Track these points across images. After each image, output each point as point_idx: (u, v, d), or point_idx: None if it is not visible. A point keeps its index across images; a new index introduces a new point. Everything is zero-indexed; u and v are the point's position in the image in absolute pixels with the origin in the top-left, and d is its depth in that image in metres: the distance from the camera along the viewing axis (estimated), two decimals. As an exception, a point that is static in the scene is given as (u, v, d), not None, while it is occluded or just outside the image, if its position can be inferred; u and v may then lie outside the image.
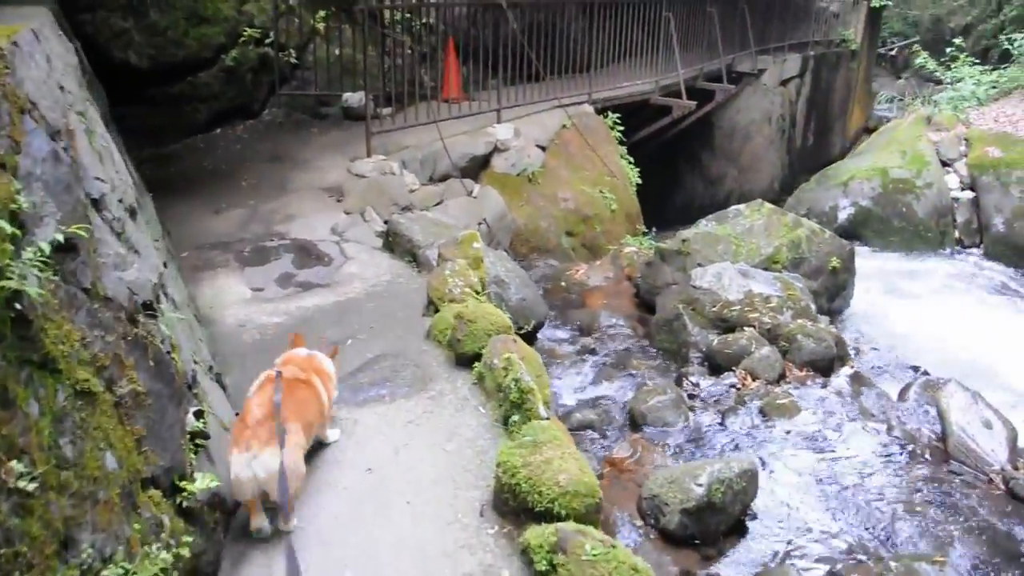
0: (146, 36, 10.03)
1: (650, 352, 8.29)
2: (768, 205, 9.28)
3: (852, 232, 11.11)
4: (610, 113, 12.62)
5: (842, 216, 11.66)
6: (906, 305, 9.96)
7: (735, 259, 8.72)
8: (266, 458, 3.63)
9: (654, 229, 11.72)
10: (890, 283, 10.31)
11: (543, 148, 11.41)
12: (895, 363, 8.61)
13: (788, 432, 6.85)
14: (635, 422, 6.91)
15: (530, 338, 7.66)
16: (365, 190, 8.93)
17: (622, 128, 12.64)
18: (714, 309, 8.07)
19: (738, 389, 7.37)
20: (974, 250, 11.44)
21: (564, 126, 11.81)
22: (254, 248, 7.47)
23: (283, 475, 3.60)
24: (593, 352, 8.21)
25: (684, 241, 8.73)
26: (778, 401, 7.05)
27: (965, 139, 12.33)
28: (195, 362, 4.19)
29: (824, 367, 7.65)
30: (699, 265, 8.68)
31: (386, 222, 8.94)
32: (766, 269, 8.78)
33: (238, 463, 3.65)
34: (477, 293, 6.03)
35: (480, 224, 9.75)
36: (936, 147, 12.28)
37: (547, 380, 4.95)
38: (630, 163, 12.45)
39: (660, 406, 6.88)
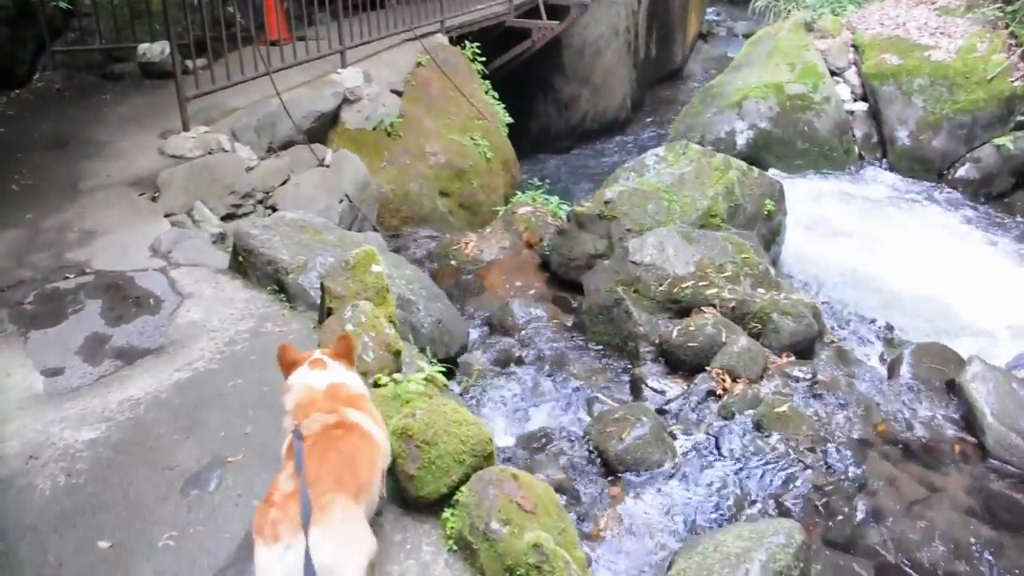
0: None
1: (587, 349, 6.35)
2: (694, 146, 7.40)
3: (753, 157, 9.46)
4: (468, 43, 10.29)
5: (740, 141, 10.01)
6: (834, 239, 8.50)
7: (668, 219, 6.84)
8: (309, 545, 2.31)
9: (547, 181, 9.65)
10: (809, 214, 8.80)
11: (399, 93, 9.01)
12: (856, 318, 7.12)
13: (797, 450, 5.15)
14: (609, 466, 5.00)
15: (450, 366, 5.55)
16: (189, 178, 6.34)
17: (483, 59, 10.37)
18: (661, 288, 6.20)
19: (718, 396, 5.59)
20: (879, 166, 10.15)
21: (419, 64, 9.41)
22: (40, 295, 4.83)
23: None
24: (520, 361, 6.17)
25: (607, 203, 6.75)
26: (776, 409, 5.31)
27: (853, 46, 10.89)
28: None
29: (805, 348, 6.01)
30: (628, 231, 6.74)
31: (224, 218, 6.45)
32: (703, 226, 6.99)
33: (266, 561, 2.35)
34: (397, 355, 3.83)
35: (341, 201, 7.40)
36: (824, 56, 10.81)
37: (574, 535, 2.91)
38: (496, 100, 10.25)
39: (639, 443, 4.97)
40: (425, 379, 3.97)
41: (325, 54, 8.30)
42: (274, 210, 6.88)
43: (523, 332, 6.53)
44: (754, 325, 5.99)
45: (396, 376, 3.41)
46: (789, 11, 12.24)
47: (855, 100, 10.52)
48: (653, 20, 17.31)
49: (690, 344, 5.79)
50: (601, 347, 6.33)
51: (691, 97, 17.62)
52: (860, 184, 9.69)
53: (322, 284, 4.28)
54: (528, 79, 14.34)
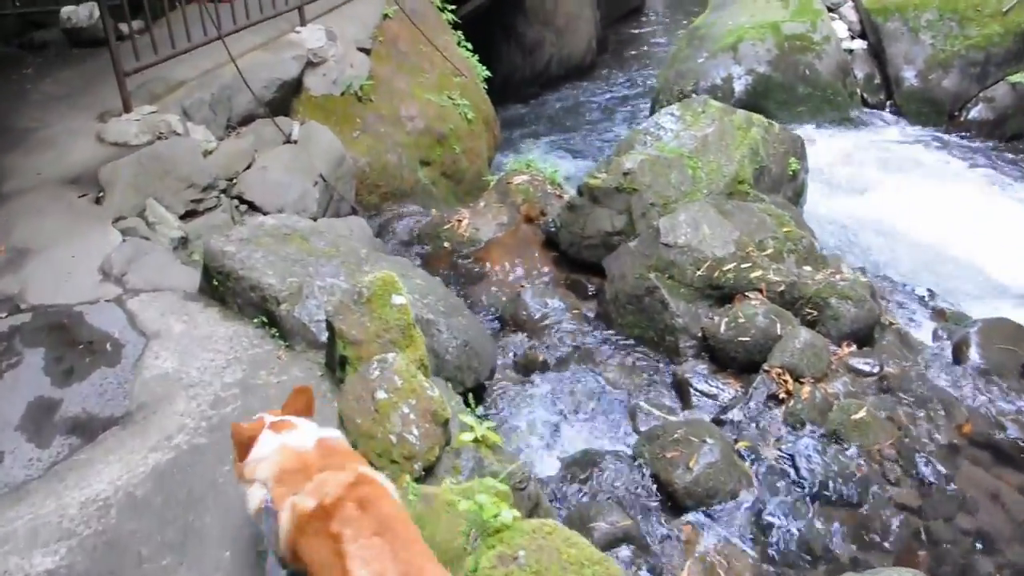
0: None
1: (616, 344, 5.46)
2: (713, 103, 6.43)
3: (752, 105, 8.52)
4: (435, -10, 9.08)
5: (738, 87, 9.03)
6: (854, 195, 7.68)
7: (694, 189, 5.91)
8: None
9: (519, 135, 8.60)
10: (823, 168, 7.91)
11: (367, 51, 7.82)
12: (894, 287, 6.34)
13: (883, 464, 4.37)
14: (675, 500, 4.16)
15: (478, 392, 4.60)
16: (138, 172, 5.18)
17: (453, 7, 9.18)
18: (699, 273, 5.31)
19: (781, 400, 4.76)
20: (884, 109, 9.28)
21: (386, 16, 8.20)
22: (-38, 344, 3.75)
23: None
24: (544, 366, 5.26)
25: (626, 174, 5.78)
26: (853, 416, 4.51)
27: (850, -22, 9.95)
28: None
29: (866, 335, 5.20)
30: (651, 205, 5.80)
31: (184, 216, 5.33)
32: (731, 194, 6.08)
33: None
34: (446, 424, 2.89)
35: (315, 183, 6.29)
36: (818, -10, 9.87)
37: None
38: (470, 51, 9.11)
39: (710, 471, 4.15)
40: (475, 440, 3.06)
41: (283, 11, 7.06)
42: (241, 200, 5.79)
43: (540, 328, 5.60)
44: (808, 311, 5.14)
45: (478, 496, 2.42)
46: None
47: (852, 38, 9.61)
48: (613, -45, 16.11)
49: (741, 339, 4.94)
50: (632, 342, 5.45)
51: (656, 36, 16.61)
52: (868, 130, 8.84)
53: (330, 324, 3.28)
54: (490, 23, 13.14)
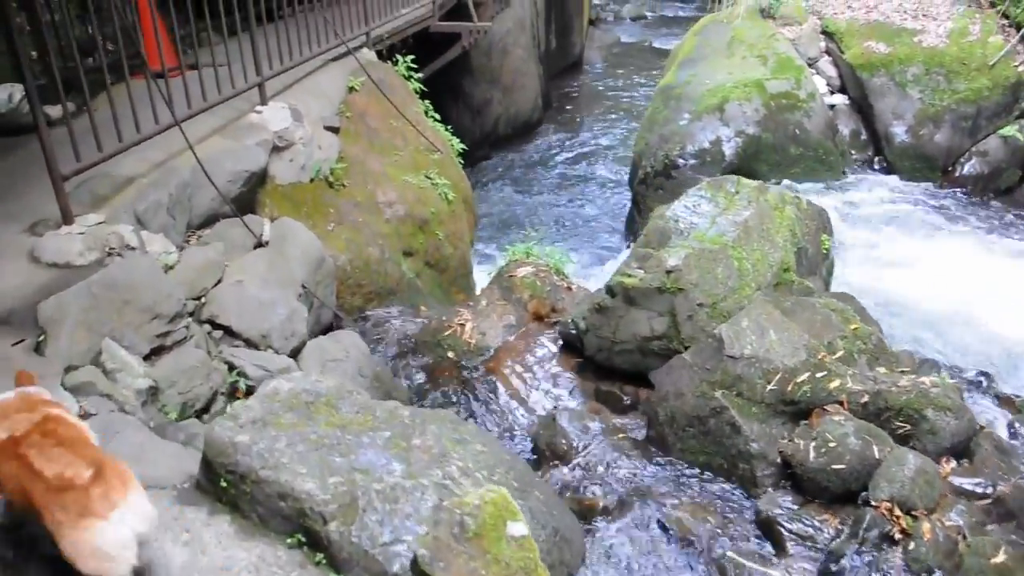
0: None
1: (679, 475, 4.55)
2: (746, 181, 5.66)
3: (746, 169, 7.87)
4: (400, 57, 8.12)
5: (729, 151, 8.34)
6: (874, 266, 7.07)
7: (742, 284, 5.10)
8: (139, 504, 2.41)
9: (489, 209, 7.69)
10: (836, 236, 7.29)
11: (335, 130, 6.82)
12: (950, 374, 5.66)
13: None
14: None
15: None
16: (89, 306, 4.02)
17: (419, 76, 8.25)
18: (771, 387, 4.47)
19: (895, 540, 3.93)
20: (875, 166, 8.77)
21: (352, 88, 7.22)
22: None
23: None
24: (605, 513, 4.30)
25: (670, 272, 4.92)
26: (993, 560, 3.71)
27: (825, 33, 9.47)
28: None
29: (964, 447, 4.45)
30: (699, 306, 4.95)
31: (148, 356, 4.19)
32: (777, 285, 5.30)
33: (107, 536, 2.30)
34: None
35: (299, 295, 5.22)
36: (795, 46, 9.32)
37: None
38: (438, 121, 8.19)
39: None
40: None
41: (242, 89, 5.98)
42: (213, 325, 4.67)
43: (584, 459, 4.66)
44: (899, 425, 4.35)
45: None
46: (736, -5, 10.60)
47: (832, 92, 9.14)
48: (551, 9, 15.50)
49: (835, 467, 4.11)
50: (697, 471, 4.56)
51: (597, 89, 16.05)
52: (865, 190, 8.29)
53: (421, 571, 2.26)
54: (438, 86, 12.27)
